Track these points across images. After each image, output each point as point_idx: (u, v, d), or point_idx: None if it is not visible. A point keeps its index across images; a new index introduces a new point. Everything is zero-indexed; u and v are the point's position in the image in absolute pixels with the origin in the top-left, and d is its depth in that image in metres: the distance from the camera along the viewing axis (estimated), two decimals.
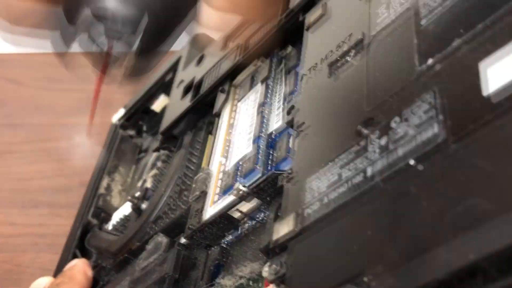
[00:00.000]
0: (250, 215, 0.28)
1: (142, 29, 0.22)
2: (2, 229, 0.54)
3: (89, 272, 0.38)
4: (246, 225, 0.29)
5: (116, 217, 0.42)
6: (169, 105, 0.42)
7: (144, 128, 0.49)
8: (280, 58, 0.34)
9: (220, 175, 0.31)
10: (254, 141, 0.30)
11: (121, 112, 0.49)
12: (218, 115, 0.35)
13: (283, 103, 0.30)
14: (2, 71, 0.67)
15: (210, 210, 0.30)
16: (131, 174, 0.47)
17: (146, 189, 0.41)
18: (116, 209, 0.44)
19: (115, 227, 0.41)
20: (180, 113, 0.38)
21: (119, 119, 0.49)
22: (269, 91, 0.32)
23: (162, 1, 0.22)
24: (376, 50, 0.23)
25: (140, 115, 0.48)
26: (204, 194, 0.31)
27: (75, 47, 0.25)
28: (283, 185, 0.25)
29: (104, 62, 0.23)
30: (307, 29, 0.30)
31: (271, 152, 0.29)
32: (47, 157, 0.58)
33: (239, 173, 0.30)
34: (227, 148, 0.32)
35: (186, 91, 0.40)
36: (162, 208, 0.35)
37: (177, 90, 0.42)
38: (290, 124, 0.27)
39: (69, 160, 0.58)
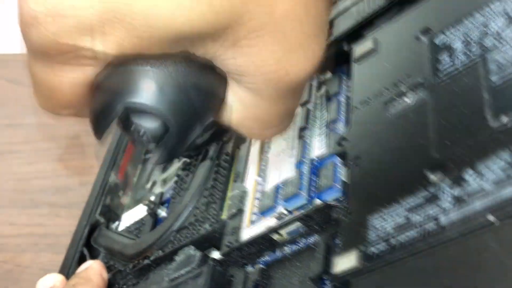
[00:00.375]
0: (291, 239, 0.29)
1: (166, 145, 0.23)
2: (2, 229, 0.54)
3: (105, 275, 0.37)
4: (286, 248, 0.29)
5: (128, 219, 0.42)
6: None
7: None
8: (319, 83, 0.34)
9: (258, 195, 0.31)
10: (296, 166, 0.30)
11: None
12: None
13: (326, 130, 0.31)
14: (2, 71, 0.67)
15: (249, 230, 0.30)
16: (138, 173, 0.47)
17: (162, 194, 0.40)
18: (123, 208, 0.44)
19: (128, 230, 0.40)
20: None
21: None
22: (310, 115, 0.33)
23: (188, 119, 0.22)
24: (442, 97, 0.24)
25: None
26: (240, 212, 0.31)
27: None
28: (338, 218, 0.25)
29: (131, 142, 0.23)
30: (355, 61, 0.31)
31: (313, 178, 0.29)
32: (47, 157, 0.58)
33: (280, 196, 0.30)
34: (263, 167, 0.33)
35: None
36: (187, 219, 0.35)
37: None
38: (341, 155, 0.28)
39: (69, 160, 0.58)
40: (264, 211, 0.30)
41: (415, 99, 0.25)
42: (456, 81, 0.24)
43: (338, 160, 0.28)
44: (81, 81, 0.21)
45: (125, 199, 0.45)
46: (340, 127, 0.30)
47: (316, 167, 0.30)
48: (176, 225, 0.35)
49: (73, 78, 0.21)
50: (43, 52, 0.20)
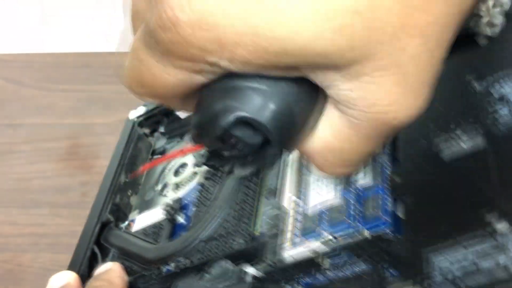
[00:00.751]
0: (337, 265, 0.29)
1: (258, 160, 0.24)
2: (2, 229, 0.54)
3: (125, 278, 0.37)
4: (330, 273, 0.29)
5: (142, 221, 0.42)
6: None
7: (161, 129, 0.49)
8: None
9: (298, 217, 0.31)
10: (341, 192, 0.31)
11: (141, 110, 0.49)
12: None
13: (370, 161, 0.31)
14: (2, 71, 0.67)
15: (292, 251, 0.30)
16: (145, 173, 0.47)
17: (180, 199, 0.40)
18: (131, 208, 0.44)
19: (144, 232, 0.40)
20: None
21: (138, 117, 0.48)
22: None
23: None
24: (502, 149, 0.24)
25: (160, 117, 0.48)
26: (281, 232, 0.31)
27: None
28: (390, 249, 0.26)
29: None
30: None
31: (359, 207, 0.29)
32: (48, 157, 0.58)
33: (324, 221, 0.30)
34: (302, 190, 0.33)
35: None
36: (216, 230, 0.35)
37: None
38: (392, 190, 0.28)
39: (70, 160, 0.58)
40: (306, 234, 0.30)
41: (471, 144, 0.25)
42: None
43: (386, 193, 0.28)
44: (187, 84, 0.21)
45: (134, 199, 0.46)
46: (385, 160, 0.30)
47: (361, 197, 0.30)
48: (204, 235, 0.35)
49: (180, 80, 0.21)
50: (166, 52, 0.20)
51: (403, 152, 0.29)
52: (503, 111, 0.25)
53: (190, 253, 0.35)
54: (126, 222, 0.43)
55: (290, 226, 0.31)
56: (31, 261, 0.51)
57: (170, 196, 0.44)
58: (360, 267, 0.28)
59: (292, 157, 0.35)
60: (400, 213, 0.27)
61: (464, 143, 0.26)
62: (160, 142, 0.49)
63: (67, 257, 0.50)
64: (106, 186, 0.44)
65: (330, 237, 0.28)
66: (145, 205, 0.44)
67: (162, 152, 0.48)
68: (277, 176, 0.35)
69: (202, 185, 0.39)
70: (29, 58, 0.67)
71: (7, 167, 0.59)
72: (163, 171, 0.46)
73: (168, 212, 0.39)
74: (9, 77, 0.66)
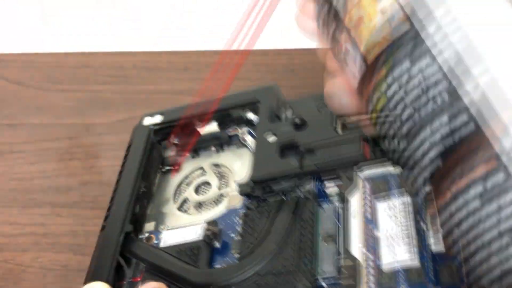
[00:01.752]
0: None
1: None
2: (3, 229, 0.54)
3: None
4: None
5: (173, 238, 0.41)
6: (259, 155, 0.41)
7: (175, 141, 0.48)
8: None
9: (371, 271, 0.32)
10: (418, 255, 0.31)
11: (158, 118, 0.48)
12: (342, 199, 0.36)
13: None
14: (2, 71, 0.67)
15: None
16: (156, 183, 0.47)
17: (215, 222, 0.40)
18: (146, 218, 0.44)
19: (177, 250, 0.39)
20: (285, 174, 0.38)
21: (155, 125, 0.47)
22: (422, 210, 0.33)
23: None
24: None
25: (177, 128, 0.47)
26: (356, 283, 0.31)
27: None
28: None
29: None
30: None
31: (434, 272, 0.30)
32: (48, 157, 0.58)
33: (401, 280, 0.31)
34: (371, 243, 0.33)
35: (284, 150, 0.40)
36: (274, 266, 0.35)
37: (266, 142, 0.41)
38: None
39: (70, 160, 0.58)
40: None
41: None
42: None
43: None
44: None
45: (149, 209, 0.45)
46: None
47: (437, 262, 0.30)
48: (261, 268, 0.35)
49: None
50: None
51: None
52: None
53: (242, 283, 0.35)
54: (146, 234, 0.42)
55: (364, 279, 0.31)
56: (32, 261, 0.51)
57: (194, 214, 0.43)
58: None
59: (354, 208, 0.35)
60: None
61: None
62: (169, 152, 0.48)
63: (68, 257, 0.51)
64: (127, 194, 0.43)
65: None
66: (163, 218, 0.44)
67: (173, 163, 0.47)
68: (333, 222, 0.36)
69: (246, 215, 0.39)
70: (29, 58, 0.67)
71: (7, 167, 0.59)
72: (179, 184, 0.46)
73: (208, 236, 0.39)
74: (9, 77, 0.66)
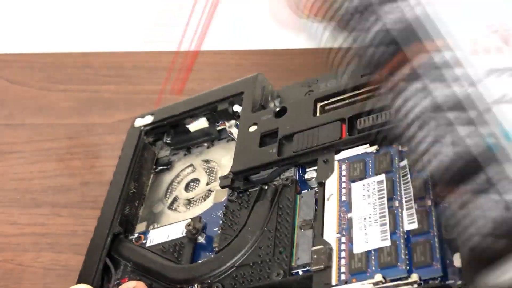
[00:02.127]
0: None
1: None
2: (3, 229, 0.54)
3: None
4: None
5: (158, 236, 0.41)
6: (240, 146, 0.41)
7: (168, 140, 0.48)
8: (400, 153, 0.34)
9: (343, 254, 0.32)
10: (390, 236, 0.31)
11: (148, 119, 0.48)
12: (320, 184, 0.35)
13: (414, 205, 0.31)
14: (2, 71, 0.67)
15: None
16: (149, 184, 0.47)
17: (200, 218, 0.40)
18: (138, 219, 0.44)
19: (162, 249, 0.40)
20: (263, 163, 0.38)
21: (145, 126, 0.48)
22: (396, 187, 0.33)
23: None
24: None
25: (167, 127, 0.48)
26: (329, 269, 0.31)
27: None
28: None
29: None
30: None
31: (407, 251, 0.30)
32: (48, 157, 0.58)
33: (373, 262, 0.30)
34: (343, 226, 0.33)
35: (264, 139, 0.40)
36: (250, 258, 0.35)
37: (247, 132, 0.41)
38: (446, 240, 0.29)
39: (70, 160, 0.58)
40: (355, 274, 0.30)
41: None
42: None
43: (434, 239, 0.29)
44: None
45: (141, 210, 0.45)
46: (428, 203, 0.31)
47: (409, 241, 0.30)
48: (235, 260, 0.35)
49: None
50: None
51: None
52: None
53: (220, 277, 0.35)
54: (136, 235, 0.42)
55: (336, 264, 0.31)
56: (32, 261, 0.51)
57: (182, 211, 0.43)
58: None
59: (329, 192, 0.35)
60: (456, 261, 0.27)
61: None
62: (163, 153, 0.48)
63: (68, 257, 0.51)
64: (116, 196, 0.43)
65: (381, 279, 0.29)
66: (154, 218, 0.44)
67: (167, 163, 0.47)
68: (311, 208, 0.35)
69: (226, 207, 0.39)
70: (29, 58, 0.67)
71: (7, 167, 0.59)
72: (171, 183, 0.46)
73: (190, 231, 0.39)
74: (9, 77, 0.66)
